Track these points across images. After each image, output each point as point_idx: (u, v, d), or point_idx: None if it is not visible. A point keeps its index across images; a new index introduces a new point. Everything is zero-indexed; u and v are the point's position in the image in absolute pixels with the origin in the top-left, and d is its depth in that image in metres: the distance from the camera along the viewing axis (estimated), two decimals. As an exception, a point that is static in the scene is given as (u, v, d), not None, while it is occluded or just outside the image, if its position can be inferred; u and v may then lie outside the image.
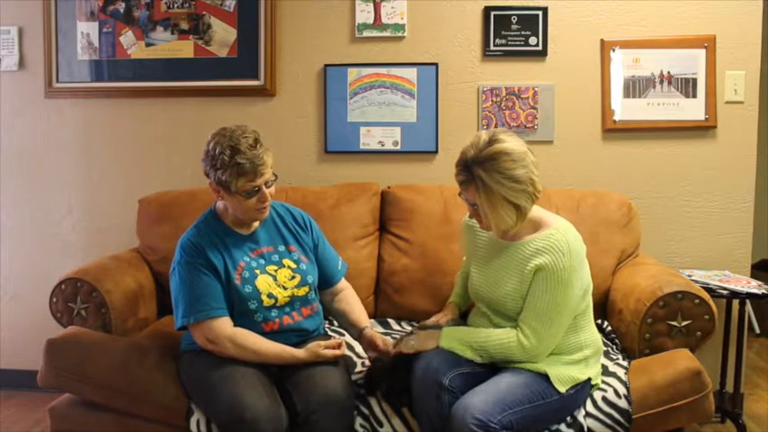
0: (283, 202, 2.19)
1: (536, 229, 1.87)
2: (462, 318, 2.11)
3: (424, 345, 1.90)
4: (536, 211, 1.89)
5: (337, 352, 1.92)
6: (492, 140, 1.78)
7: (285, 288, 1.99)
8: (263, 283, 1.96)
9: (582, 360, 1.87)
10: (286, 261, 2.04)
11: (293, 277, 2.01)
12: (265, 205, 1.95)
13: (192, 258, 1.93)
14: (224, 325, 1.90)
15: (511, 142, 1.79)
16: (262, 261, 2.01)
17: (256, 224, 2.05)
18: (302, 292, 2.02)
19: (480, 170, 1.75)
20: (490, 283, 1.92)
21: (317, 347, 1.90)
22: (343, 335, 2.22)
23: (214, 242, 1.97)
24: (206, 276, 1.92)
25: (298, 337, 2.00)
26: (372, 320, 2.49)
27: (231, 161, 1.86)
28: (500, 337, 1.83)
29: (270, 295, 1.96)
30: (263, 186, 1.92)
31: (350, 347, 2.16)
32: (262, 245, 2.04)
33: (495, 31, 2.76)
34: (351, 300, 2.16)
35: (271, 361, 1.91)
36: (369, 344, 1.99)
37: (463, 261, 2.20)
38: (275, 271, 2.00)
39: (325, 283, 2.14)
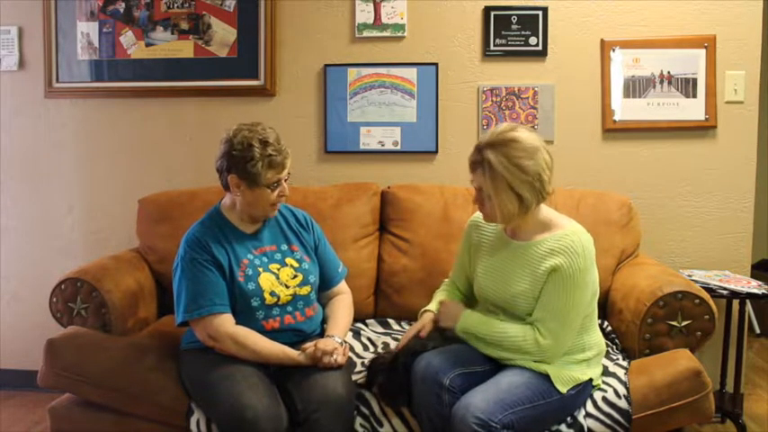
0: (286, 204, 2.19)
1: (546, 230, 1.87)
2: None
3: (445, 321, 1.95)
4: (546, 212, 1.90)
5: (339, 359, 1.91)
6: (509, 129, 1.82)
7: (287, 287, 2.00)
8: (266, 281, 1.97)
9: (584, 361, 1.87)
10: (288, 260, 2.04)
11: (295, 276, 2.02)
12: (283, 199, 2.01)
13: (196, 254, 1.94)
14: (226, 322, 1.91)
15: (525, 134, 1.82)
16: (265, 259, 2.02)
17: (260, 223, 2.06)
18: (304, 291, 2.03)
19: (490, 152, 1.78)
20: (499, 283, 1.91)
21: (317, 353, 1.89)
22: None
23: (219, 239, 1.98)
24: (210, 272, 1.92)
25: (297, 336, 2.00)
26: (372, 321, 2.50)
27: (264, 153, 1.90)
28: (516, 335, 1.82)
29: (272, 293, 1.96)
30: (284, 180, 1.97)
31: (350, 348, 2.16)
32: (265, 243, 2.05)
33: (495, 31, 2.77)
34: (339, 307, 2.13)
35: (270, 361, 1.91)
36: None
37: (451, 273, 2.17)
38: (278, 269, 2.01)
39: (324, 285, 2.14)
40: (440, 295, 2.12)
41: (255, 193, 1.94)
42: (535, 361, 1.82)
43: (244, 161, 1.90)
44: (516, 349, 1.83)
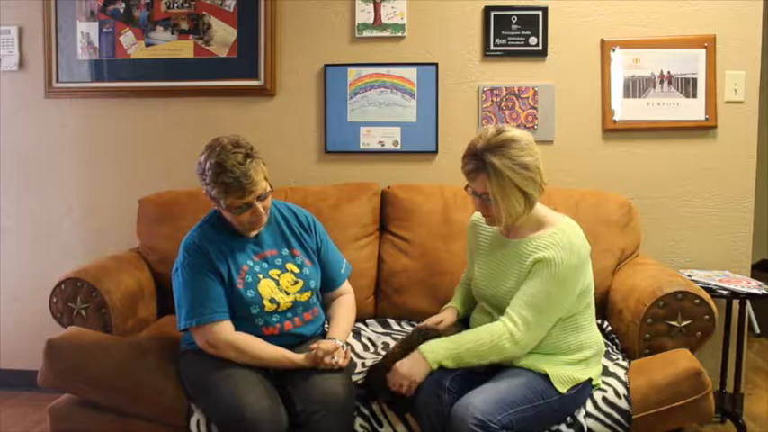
0: (288, 203, 2.17)
1: (539, 228, 1.87)
2: (462, 323, 2.10)
3: (414, 375, 1.80)
4: (541, 210, 1.90)
5: (340, 362, 1.90)
6: (500, 131, 1.81)
7: (288, 293, 1.98)
8: (266, 287, 1.95)
9: (582, 360, 1.87)
10: (289, 266, 2.02)
11: (296, 282, 2.00)
12: (258, 219, 1.93)
13: (195, 260, 1.92)
14: (225, 329, 1.89)
15: (518, 132, 1.82)
16: (265, 265, 2.00)
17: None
18: (305, 297, 2.01)
19: (491, 156, 1.77)
20: (492, 281, 1.92)
21: (318, 353, 1.88)
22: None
23: (218, 245, 1.95)
24: (209, 279, 1.91)
25: (296, 339, 2.00)
26: (372, 320, 2.50)
27: (217, 179, 1.83)
28: (489, 332, 1.80)
29: (272, 300, 1.95)
30: (255, 201, 1.88)
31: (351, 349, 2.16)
32: (266, 248, 2.02)
33: (495, 31, 2.77)
34: (341, 308, 2.10)
35: (269, 366, 1.91)
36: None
37: (464, 272, 2.20)
38: (278, 275, 1.99)
39: (326, 286, 2.13)
40: (456, 293, 2.17)
41: (226, 212, 1.91)
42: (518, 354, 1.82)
43: (205, 183, 1.88)
44: (493, 349, 1.79)
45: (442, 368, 1.81)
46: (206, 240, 1.95)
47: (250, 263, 1.98)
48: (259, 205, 1.89)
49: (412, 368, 1.81)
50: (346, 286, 2.18)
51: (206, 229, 1.99)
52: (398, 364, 1.84)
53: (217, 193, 1.85)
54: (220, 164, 1.82)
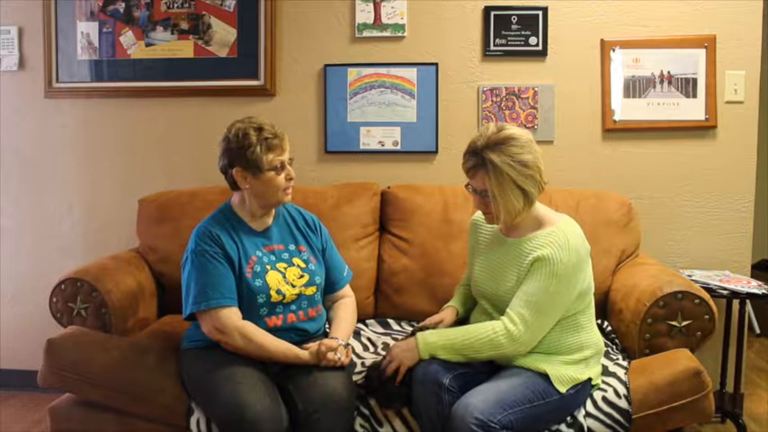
0: (295, 205, 2.20)
1: (539, 227, 1.87)
2: (462, 323, 2.09)
3: (402, 359, 1.85)
4: (540, 209, 1.90)
5: (343, 359, 1.91)
6: (500, 128, 1.84)
7: (294, 286, 2.00)
8: (273, 279, 1.98)
9: (582, 360, 1.87)
10: (296, 260, 2.05)
11: (302, 276, 2.03)
12: (291, 184, 2.02)
13: (207, 246, 1.94)
14: (234, 315, 1.91)
15: (518, 130, 1.84)
16: (273, 257, 2.03)
17: (270, 221, 2.07)
18: (310, 291, 2.03)
19: (491, 153, 1.79)
20: (492, 280, 1.92)
21: (322, 348, 1.89)
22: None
23: (230, 233, 1.99)
24: (220, 265, 1.93)
25: (298, 336, 2.00)
26: (372, 321, 2.50)
27: (259, 137, 1.94)
28: (485, 330, 1.81)
29: (278, 291, 1.97)
30: (287, 164, 1.99)
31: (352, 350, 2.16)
32: (274, 242, 2.06)
33: (495, 31, 2.77)
34: (343, 311, 2.13)
35: (274, 358, 1.91)
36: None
37: (465, 272, 2.20)
38: (285, 268, 2.02)
39: (328, 288, 2.15)
40: (456, 294, 2.17)
41: (262, 180, 1.96)
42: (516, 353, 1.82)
43: (242, 150, 1.93)
44: (490, 346, 1.80)
45: (435, 359, 1.82)
46: (218, 227, 1.99)
47: (259, 253, 2.00)
48: (290, 168, 2.00)
49: (403, 351, 1.86)
50: (347, 290, 2.21)
51: (218, 219, 2.03)
52: (394, 344, 1.91)
53: (260, 151, 1.93)
54: (258, 126, 1.96)
